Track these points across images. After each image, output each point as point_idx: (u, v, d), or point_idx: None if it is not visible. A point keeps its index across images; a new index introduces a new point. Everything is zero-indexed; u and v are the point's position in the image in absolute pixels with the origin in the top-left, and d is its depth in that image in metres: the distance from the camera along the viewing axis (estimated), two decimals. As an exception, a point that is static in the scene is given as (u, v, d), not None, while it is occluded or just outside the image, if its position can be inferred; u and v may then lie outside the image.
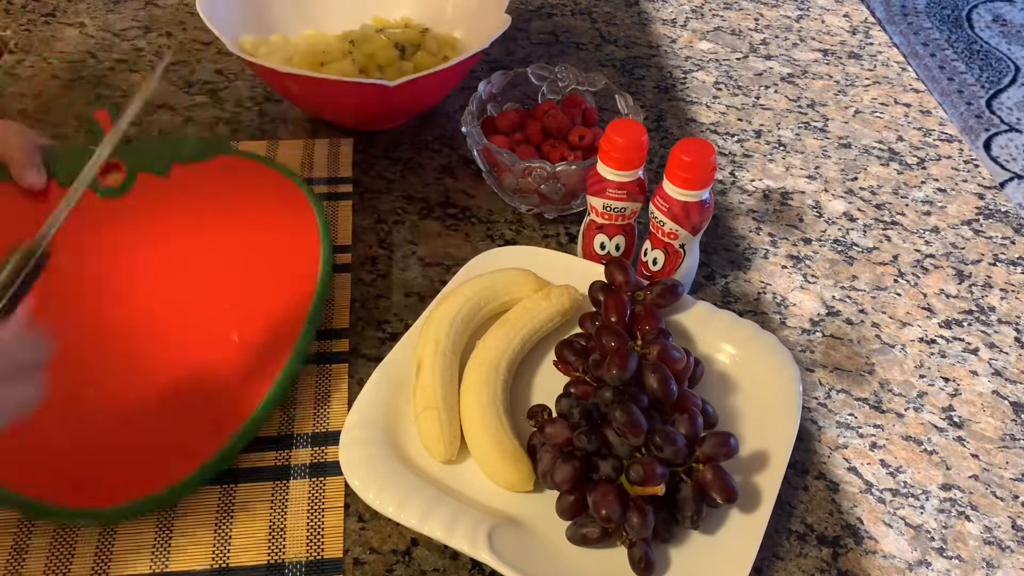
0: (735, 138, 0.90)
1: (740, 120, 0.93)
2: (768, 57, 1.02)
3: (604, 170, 0.67)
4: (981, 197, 0.85)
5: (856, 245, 0.79)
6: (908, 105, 0.96)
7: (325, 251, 0.67)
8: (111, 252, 0.66)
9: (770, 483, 0.57)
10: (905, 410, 0.66)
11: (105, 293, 0.64)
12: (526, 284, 0.66)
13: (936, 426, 0.65)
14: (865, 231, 0.81)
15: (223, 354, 0.61)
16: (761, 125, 0.92)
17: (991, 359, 0.70)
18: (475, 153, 0.76)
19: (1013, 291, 0.76)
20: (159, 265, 0.66)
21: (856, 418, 0.65)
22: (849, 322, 0.72)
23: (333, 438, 0.61)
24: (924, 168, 0.88)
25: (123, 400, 0.59)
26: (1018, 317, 0.74)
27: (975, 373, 0.69)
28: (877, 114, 0.95)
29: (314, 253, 0.67)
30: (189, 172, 0.72)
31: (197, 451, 0.57)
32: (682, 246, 0.68)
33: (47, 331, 0.47)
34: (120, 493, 0.55)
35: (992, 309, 0.74)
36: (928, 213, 0.83)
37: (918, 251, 0.79)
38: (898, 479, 0.62)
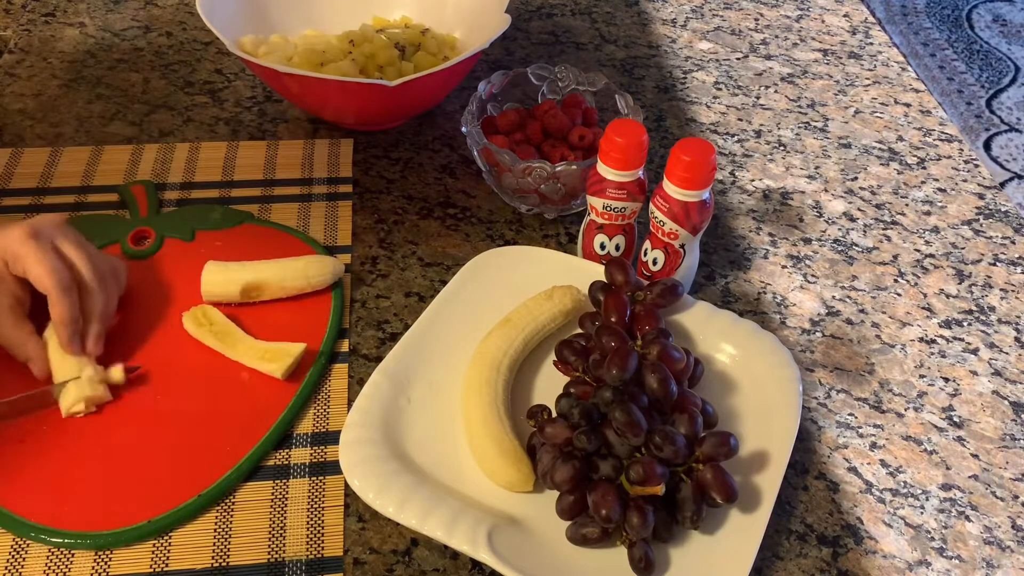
0: (735, 138, 0.90)
1: (740, 120, 0.93)
2: (768, 57, 1.02)
3: (604, 170, 0.67)
4: (981, 197, 0.85)
5: (856, 245, 0.79)
6: (908, 105, 0.96)
7: (335, 314, 0.69)
8: (131, 301, 0.69)
9: (770, 483, 0.57)
10: (905, 410, 0.66)
11: (125, 336, 0.66)
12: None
13: (936, 426, 0.65)
14: (865, 231, 0.81)
15: (230, 393, 0.63)
16: (761, 125, 0.92)
17: (991, 359, 0.70)
18: (475, 153, 0.76)
19: (1013, 291, 0.76)
20: (175, 313, 0.68)
21: (856, 418, 0.65)
22: (849, 322, 0.72)
23: (333, 438, 0.61)
24: (924, 168, 0.88)
25: (129, 431, 0.60)
26: (1018, 317, 0.74)
27: (975, 373, 0.69)
28: (877, 114, 0.95)
29: (324, 313, 0.68)
30: (213, 236, 0.74)
31: (195, 481, 0.57)
32: (682, 246, 0.68)
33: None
34: (118, 518, 0.55)
35: (992, 309, 0.74)
36: (928, 213, 0.83)
37: (918, 251, 0.79)
38: (898, 479, 0.62)
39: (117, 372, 0.62)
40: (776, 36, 1.06)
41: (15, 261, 0.61)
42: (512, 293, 0.67)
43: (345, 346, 0.67)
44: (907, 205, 0.84)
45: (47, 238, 0.62)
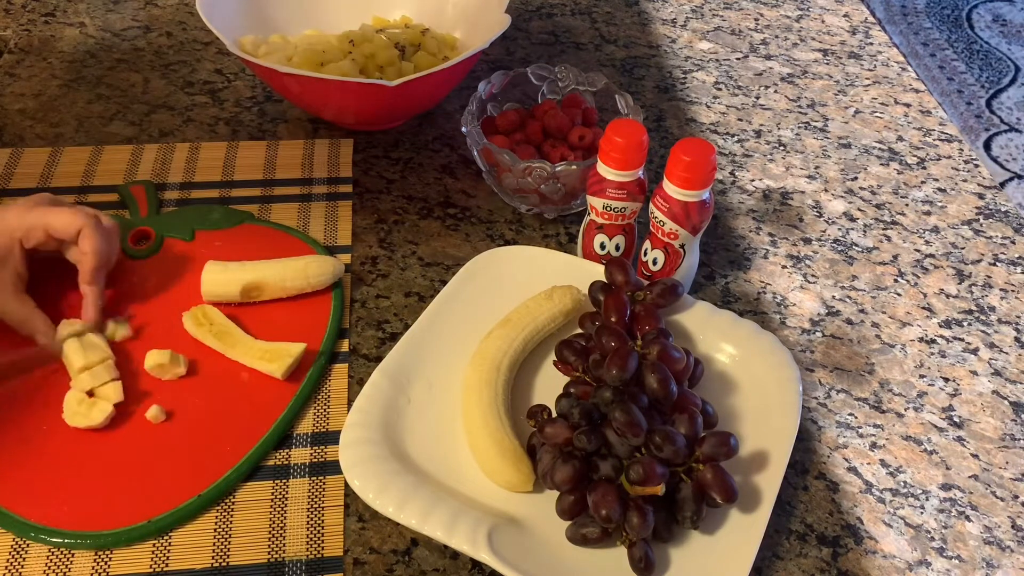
0: (735, 138, 0.90)
1: (740, 120, 0.93)
2: (768, 57, 1.02)
3: (604, 170, 0.67)
4: (981, 197, 0.85)
5: (856, 245, 0.79)
6: (908, 105, 0.96)
7: (335, 314, 0.68)
8: (131, 301, 0.69)
9: (770, 483, 0.57)
10: (905, 410, 0.66)
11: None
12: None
13: (936, 426, 0.65)
14: (865, 231, 0.81)
15: (230, 393, 0.63)
16: (761, 125, 0.92)
17: (991, 359, 0.70)
18: (475, 153, 0.76)
19: (1013, 291, 0.76)
20: (175, 313, 0.67)
21: (856, 418, 0.65)
22: (849, 322, 0.72)
23: (333, 438, 0.61)
24: (924, 168, 0.88)
25: (129, 431, 0.60)
26: (1018, 317, 0.74)
27: (975, 373, 0.69)
28: (877, 114, 0.95)
29: (324, 313, 0.68)
30: (213, 236, 0.74)
31: (195, 481, 0.57)
32: (682, 246, 0.68)
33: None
34: (118, 518, 0.55)
35: (992, 309, 0.74)
36: (928, 213, 0.83)
37: (918, 251, 0.79)
38: (898, 479, 0.62)
39: (123, 328, 0.65)
40: (776, 36, 1.06)
41: (30, 232, 0.63)
42: (512, 293, 0.67)
43: (345, 346, 0.67)
44: (907, 205, 0.84)
45: (48, 203, 0.65)
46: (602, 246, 0.71)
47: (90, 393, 0.60)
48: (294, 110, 0.89)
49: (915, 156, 0.90)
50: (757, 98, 0.96)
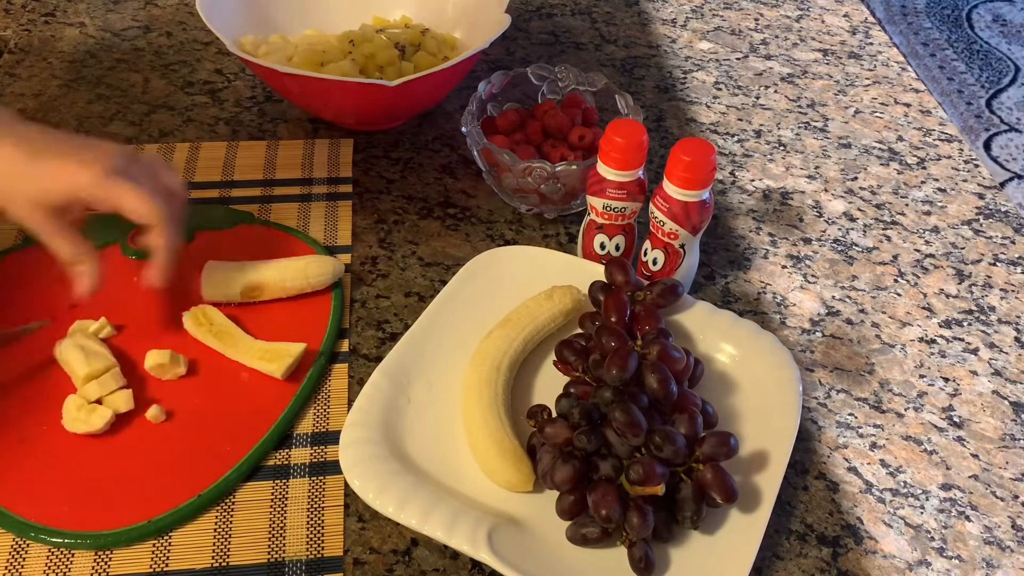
0: (735, 138, 0.90)
1: (740, 120, 0.93)
2: (768, 57, 1.02)
3: (604, 170, 0.67)
4: (981, 197, 0.85)
5: (856, 245, 0.79)
6: (908, 105, 0.96)
7: (335, 314, 0.68)
8: (131, 301, 0.69)
9: (770, 483, 0.57)
10: (905, 410, 0.66)
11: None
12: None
13: (936, 426, 0.65)
14: (865, 231, 0.81)
15: (230, 393, 0.63)
16: (761, 125, 0.92)
17: (991, 359, 0.70)
18: (475, 153, 0.76)
19: (1013, 291, 0.76)
20: (175, 313, 0.67)
21: (856, 418, 0.65)
22: (849, 322, 0.72)
23: (333, 438, 0.61)
24: (924, 168, 0.88)
25: (129, 431, 0.60)
26: (1018, 317, 0.74)
27: (975, 373, 0.69)
28: (877, 114, 0.95)
29: (324, 313, 0.68)
30: (212, 236, 0.74)
31: (195, 481, 0.57)
32: (682, 246, 0.68)
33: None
34: (118, 518, 0.55)
35: (992, 309, 0.74)
36: (928, 213, 0.83)
37: (918, 251, 0.79)
38: (898, 479, 0.62)
39: (104, 327, 0.65)
40: (776, 36, 1.06)
41: (94, 199, 0.58)
42: (512, 293, 0.67)
43: (345, 346, 0.67)
44: (907, 205, 0.84)
45: (123, 173, 0.59)
46: (602, 246, 0.71)
47: (99, 402, 0.60)
48: (294, 110, 0.89)
49: (915, 156, 0.90)
50: (757, 98, 0.96)
